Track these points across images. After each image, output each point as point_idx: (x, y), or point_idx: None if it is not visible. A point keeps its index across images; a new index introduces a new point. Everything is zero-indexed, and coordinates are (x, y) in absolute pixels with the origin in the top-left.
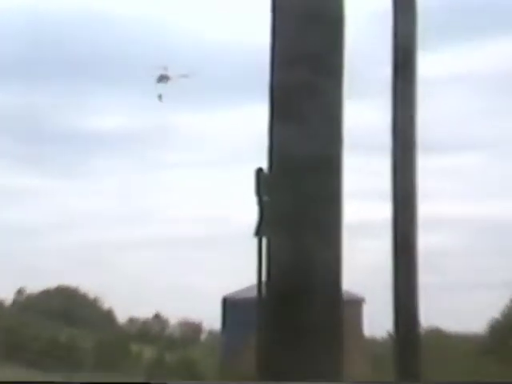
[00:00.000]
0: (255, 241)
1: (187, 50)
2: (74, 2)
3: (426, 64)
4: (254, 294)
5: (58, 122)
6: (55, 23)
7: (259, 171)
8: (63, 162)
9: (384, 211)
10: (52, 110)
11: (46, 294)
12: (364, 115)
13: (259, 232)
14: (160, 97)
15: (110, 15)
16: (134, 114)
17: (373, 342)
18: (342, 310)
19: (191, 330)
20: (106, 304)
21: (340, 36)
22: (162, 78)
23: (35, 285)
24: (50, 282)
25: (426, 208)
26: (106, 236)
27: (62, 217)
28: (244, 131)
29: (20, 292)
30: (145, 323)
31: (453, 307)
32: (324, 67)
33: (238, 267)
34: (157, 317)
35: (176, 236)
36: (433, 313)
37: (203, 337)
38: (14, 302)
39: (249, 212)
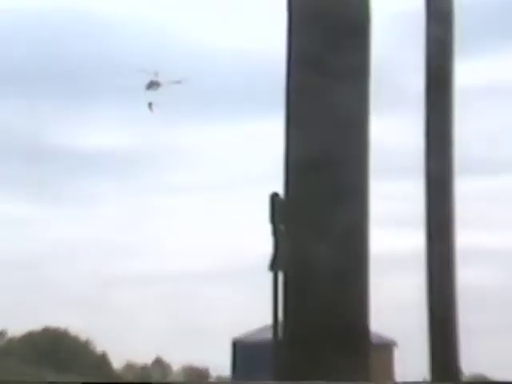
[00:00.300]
0: (270, 275)
1: (184, 56)
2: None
3: (463, 73)
4: (268, 336)
5: (45, 142)
6: (33, 26)
7: (274, 196)
8: (51, 185)
9: (416, 241)
10: (36, 128)
11: (31, 337)
12: (394, 131)
13: (274, 266)
14: (150, 105)
15: (97, 16)
16: (127, 129)
17: None
18: (371, 356)
19: (196, 377)
20: (100, 347)
21: (365, 39)
22: (152, 85)
23: (18, 327)
24: (35, 323)
25: (462, 237)
26: (99, 269)
27: (50, 248)
28: (255, 149)
29: (0, 335)
30: (144, 369)
31: (498, 351)
32: (347, 72)
33: (250, 305)
34: (157, 362)
35: (178, 269)
36: (476, 357)
37: None
38: None
39: (262, 242)
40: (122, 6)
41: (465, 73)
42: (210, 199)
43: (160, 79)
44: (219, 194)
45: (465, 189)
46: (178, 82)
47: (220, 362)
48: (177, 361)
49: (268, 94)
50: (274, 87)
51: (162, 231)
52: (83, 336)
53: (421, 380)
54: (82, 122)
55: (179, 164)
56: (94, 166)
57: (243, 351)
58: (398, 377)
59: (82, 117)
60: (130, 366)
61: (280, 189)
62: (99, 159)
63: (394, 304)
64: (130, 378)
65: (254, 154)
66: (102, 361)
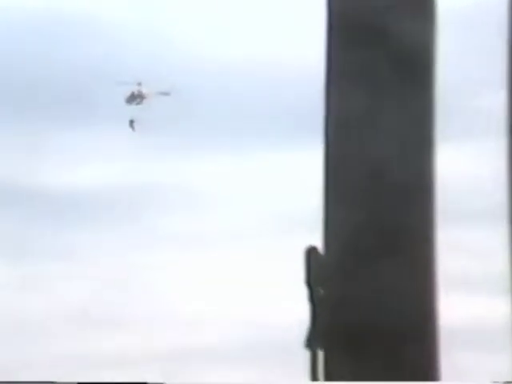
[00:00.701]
0: (307, 354)
1: (185, 67)
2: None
3: None
4: None
5: (16, 182)
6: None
7: (311, 251)
8: (27, 239)
9: (498, 309)
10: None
11: None
12: (464, 163)
13: (312, 343)
14: (132, 123)
15: (76, 18)
16: (115, 158)
17: None
18: None
19: None
20: None
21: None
22: (134, 98)
23: None
24: None
25: None
26: (87, 349)
27: (29, 319)
28: (279, 185)
29: None
30: None
31: None
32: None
33: None
34: None
35: (189, 346)
36: None
37: None
38: None
39: (294, 311)
40: (123, 10)
41: None
42: (221, 253)
43: (144, 90)
44: (233, 247)
45: None
46: (166, 94)
47: None
48: None
49: (295, 116)
50: (304, 109)
51: (166, 296)
52: None
53: None
54: (63, 157)
55: (180, 207)
56: (79, 212)
57: None
58: None
59: (62, 148)
60: None
61: (318, 240)
62: (75, 201)
63: None
64: None
65: (278, 192)
66: None
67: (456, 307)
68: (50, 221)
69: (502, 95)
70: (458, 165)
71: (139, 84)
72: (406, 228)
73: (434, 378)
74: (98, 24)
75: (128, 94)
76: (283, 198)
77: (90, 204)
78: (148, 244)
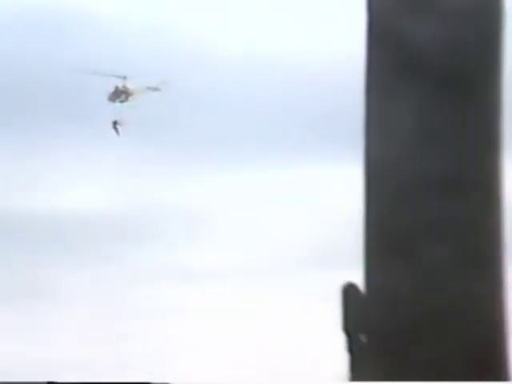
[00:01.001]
0: None
1: (195, 65)
2: None
3: None
4: None
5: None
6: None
7: (349, 289)
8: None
9: None
10: None
11: None
12: None
13: None
14: (115, 125)
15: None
16: (103, 179)
17: None
18: None
19: None
20: None
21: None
22: (118, 94)
23: None
24: None
25: None
26: None
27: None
28: (306, 208)
29: None
30: None
31: None
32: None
33: None
34: None
35: None
36: None
37: None
38: None
39: (330, 361)
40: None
41: None
42: (238, 291)
43: (130, 85)
44: (252, 284)
45: None
46: (156, 89)
47: None
48: None
49: (325, 124)
50: (337, 113)
51: (171, 346)
52: None
53: None
54: (44, 175)
55: (182, 235)
56: (63, 242)
57: None
58: None
59: (43, 166)
60: None
61: (357, 277)
62: (71, 229)
63: None
64: None
65: (304, 214)
66: None
67: None
68: (28, 255)
69: None
70: None
71: (124, 78)
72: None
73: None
74: (98, 20)
75: (111, 90)
76: (310, 222)
77: (74, 233)
78: (148, 281)
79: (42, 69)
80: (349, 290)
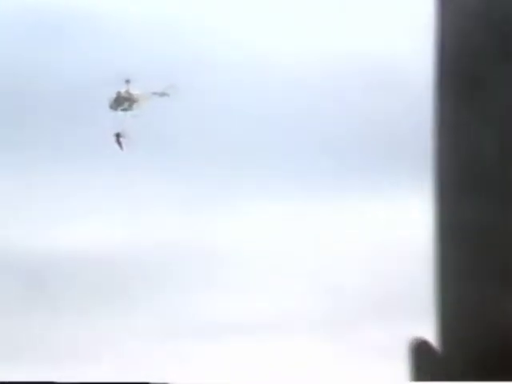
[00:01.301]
0: None
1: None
2: None
3: None
4: None
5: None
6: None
7: (420, 346)
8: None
9: None
10: None
11: None
12: None
13: None
14: (118, 138)
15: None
16: (107, 213)
17: None
18: None
19: None
20: None
21: None
22: (121, 101)
23: None
24: None
25: None
26: None
27: None
28: (352, 245)
29: None
30: None
31: None
32: None
33: None
34: None
35: None
36: None
37: None
38: None
39: None
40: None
41: None
42: (271, 346)
43: (133, 91)
44: (292, 338)
45: None
46: (163, 95)
47: None
48: None
49: (371, 142)
50: (386, 132)
51: None
52: None
53: None
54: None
55: (202, 280)
56: (67, 289)
57: None
58: None
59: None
60: None
61: (428, 333)
62: (74, 275)
63: None
64: None
65: (352, 256)
66: None
67: None
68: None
69: None
70: None
71: (127, 82)
72: None
73: None
74: (99, 19)
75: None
76: (358, 265)
77: (75, 277)
78: (164, 336)
79: (37, 75)
80: (420, 347)
